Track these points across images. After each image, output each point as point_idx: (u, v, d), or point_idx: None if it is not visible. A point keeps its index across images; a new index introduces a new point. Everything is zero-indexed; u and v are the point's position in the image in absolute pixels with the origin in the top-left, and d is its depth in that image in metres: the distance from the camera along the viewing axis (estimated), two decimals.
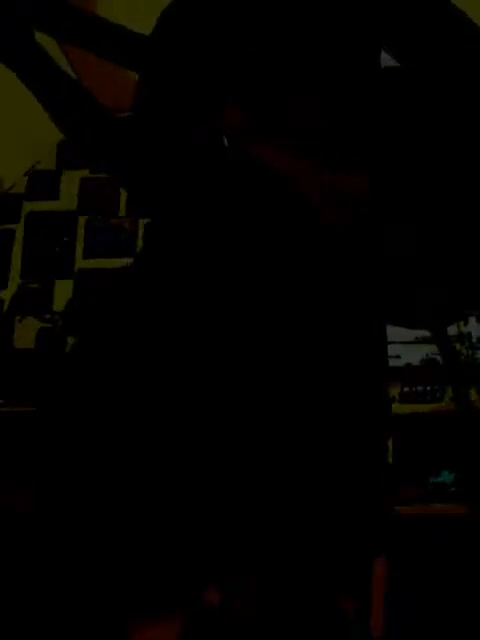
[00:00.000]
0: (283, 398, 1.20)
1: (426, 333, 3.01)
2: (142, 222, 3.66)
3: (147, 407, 1.19)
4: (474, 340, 3.07)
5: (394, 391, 2.99)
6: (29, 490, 2.18)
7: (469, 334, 3.07)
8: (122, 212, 3.74)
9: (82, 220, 3.79)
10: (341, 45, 1.30)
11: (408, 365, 3.06)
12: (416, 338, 3.04)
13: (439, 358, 3.07)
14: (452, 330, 3.10)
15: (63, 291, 3.69)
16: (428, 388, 3.02)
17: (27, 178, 3.84)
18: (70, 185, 3.82)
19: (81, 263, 3.74)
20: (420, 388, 3.02)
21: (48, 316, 3.56)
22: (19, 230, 3.79)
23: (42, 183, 3.83)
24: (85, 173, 3.76)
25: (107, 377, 1.22)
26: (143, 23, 1.40)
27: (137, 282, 1.30)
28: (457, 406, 2.46)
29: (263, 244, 1.23)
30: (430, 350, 3.08)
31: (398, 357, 3.01)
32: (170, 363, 1.21)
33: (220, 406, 1.19)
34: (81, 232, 3.79)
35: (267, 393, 1.20)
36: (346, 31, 1.30)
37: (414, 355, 3.08)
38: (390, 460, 2.74)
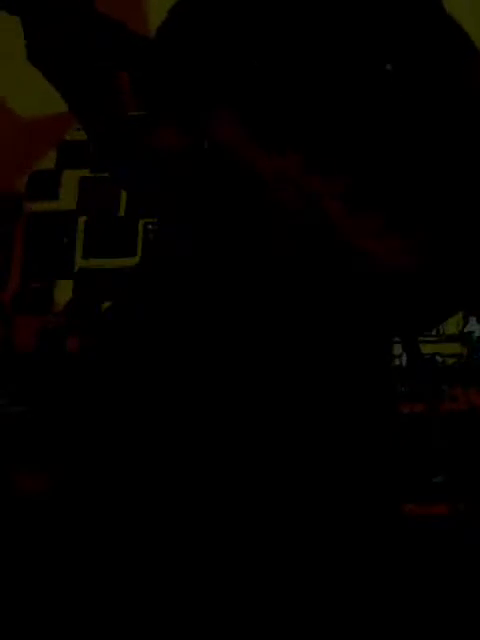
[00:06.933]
0: (284, 399, 1.21)
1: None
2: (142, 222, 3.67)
3: (152, 406, 1.20)
4: (474, 340, 3.08)
5: None
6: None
7: (470, 334, 3.08)
8: (122, 212, 3.75)
9: (82, 220, 3.79)
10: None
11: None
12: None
13: (438, 358, 3.08)
14: (453, 330, 3.11)
15: (63, 291, 3.70)
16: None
17: (27, 178, 3.84)
18: (70, 185, 3.82)
19: (81, 263, 3.75)
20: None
21: (48, 316, 3.56)
22: (19, 230, 3.80)
23: (42, 183, 3.83)
24: (85, 173, 3.77)
25: (116, 376, 1.23)
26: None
27: (143, 285, 1.30)
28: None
29: (262, 249, 1.23)
30: (430, 350, 3.09)
31: (397, 357, 3.02)
32: (179, 365, 1.21)
33: (221, 406, 1.20)
34: (81, 232, 3.79)
35: (268, 395, 1.20)
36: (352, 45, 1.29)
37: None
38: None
